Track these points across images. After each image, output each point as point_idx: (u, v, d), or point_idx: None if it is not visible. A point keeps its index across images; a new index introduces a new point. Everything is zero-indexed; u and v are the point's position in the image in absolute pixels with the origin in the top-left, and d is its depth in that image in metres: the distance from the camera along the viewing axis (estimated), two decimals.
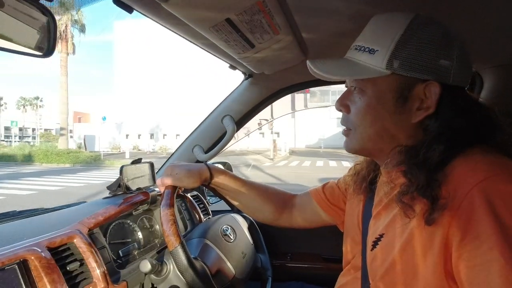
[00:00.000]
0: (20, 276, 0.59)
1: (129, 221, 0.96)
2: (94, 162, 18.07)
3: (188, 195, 1.23)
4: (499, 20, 0.73)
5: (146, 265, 0.70)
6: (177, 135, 29.40)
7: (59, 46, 21.42)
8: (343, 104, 0.62)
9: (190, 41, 0.87)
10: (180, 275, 0.71)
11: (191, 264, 0.70)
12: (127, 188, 0.98)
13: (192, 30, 0.74)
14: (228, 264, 0.89)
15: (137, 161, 1.03)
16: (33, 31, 0.54)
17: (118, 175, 0.98)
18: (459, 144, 0.51)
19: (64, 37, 21.44)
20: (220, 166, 1.38)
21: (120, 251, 0.88)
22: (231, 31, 0.75)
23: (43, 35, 0.54)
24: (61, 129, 22.74)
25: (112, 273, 0.77)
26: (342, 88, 0.67)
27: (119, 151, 24.08)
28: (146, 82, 32.81)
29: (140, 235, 0.97)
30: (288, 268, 1.37)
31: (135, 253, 0.92)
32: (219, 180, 0.84)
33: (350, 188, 0.76)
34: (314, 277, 1.32)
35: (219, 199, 1.32)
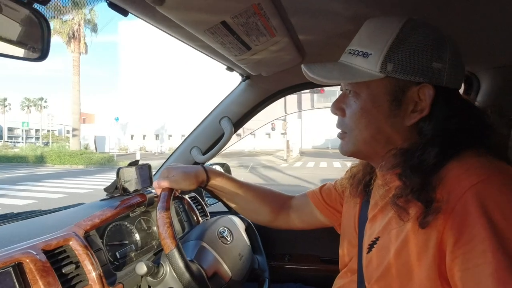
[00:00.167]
0: (14, 279, 0.59)
1: (126, 223, 0.96)
2: (108, 163, 17.97)
3: (186, 196, 1.23)
4: (495, 22, 0.73)
5: (142, 268, 0.70)
6: (182, 136, 29.36)
7: (71, 46, 21.44)
8: (338, 107, 0.62)
9: (186, 43, 0.87)
10: (176, 276, 0.71)
11: (187, 267, 0.70)
12: (124, 190, 0.98)
13: (188, 32, 0.74)
14: (225, 266, 0.89)
15: (134, 163, 1.03)
16: (27, 34, 0.54)
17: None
18: (453, 147, 0.52)
19: (77, 36, 21.28)
20: (219, 167, 1.38)
21: (117, 253, 0.88)
22: (226, 33, 0.75)
23: (37, 39, 0.54)
24: (73, 129, 22.49)
25: (108, 275, 0.77)
26: None
27: (127, 152, 23.96)
28: (151, 82, 32.67)
29: (137, 237, 0.97)
30: (286, 270, 1.37)
31: (132, 255, 0.92)
32: (216, 182, 0.85)
33: (346, 191, 0.76)
34: (312, 279, 1.32)
35: (217, 201, 1.32)
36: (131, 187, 1.01)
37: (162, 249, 0.71)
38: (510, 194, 0.45)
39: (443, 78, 0.54)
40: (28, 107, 48.08)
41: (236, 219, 1.14)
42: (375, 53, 0.55)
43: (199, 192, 1.34)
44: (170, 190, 0.77)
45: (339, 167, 14.91)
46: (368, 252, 0.60)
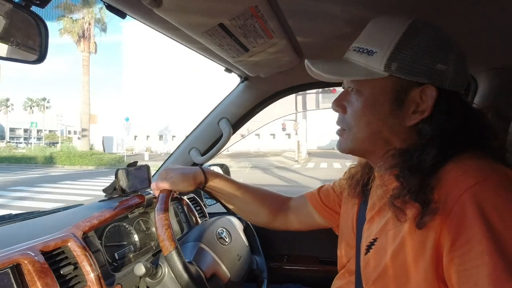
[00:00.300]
0: (13, 280, 0.59)
1: (125, 224, 0.96)
2: (118, 164, 17.69)
3: (185, 197, 1.23)
4: (493, 23, 0.73)
5: (140, 269, 0.71)
6: (186, 136, 29.12)
7: (81, 45, 21.23)
8: (339, 104, 0.62)
9: (184, 45, 0.87)
10: (175, 277, 0.71)
11: (186, 269, 0.70)
12: (123, 191, 0.99)
13: (186, 34, 0.74)
14: (223, 267, 0.89)
15: (132, 164, 1.04)
16: (25, 37, 0.54)
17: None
18: (452, 148, 0.52)
19: (87, 36, 21.09)
20: (218, 168, 1.39)
21: (115, 254, 0.88)
22: (224, 35, 0.75)
23: (35, 41, 0.55)
24: (83, 130, 22.23)
25: (107, 276, 0.78)
26: None
27: (132, 152, 23.75)
28: (154, 82, 32.36)
29: (136, 237, 0.97)
30: (285, 270, 1.37)
31: (131, 256, 0.92)
32: (214, 183, 0.85)
33: (344, 192, 0.76)
34: (310, 280, 1.32)
35: (215, 202, 1.32)
36: (130, 188, 1.01)
37: (160, 250, 0.72)
38: (507, 196, 0.45)
39: (446, 80, 0.54)
40: (30, 108, 47.96)
41: (234, 220, 1.15)
42: (380, 51, 0.54)
43: (198, 193, 1.34)
44: (169, 191, 0.77)
45: None
46: (366, 253, 0.60)
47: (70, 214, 0.94)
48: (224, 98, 1.29)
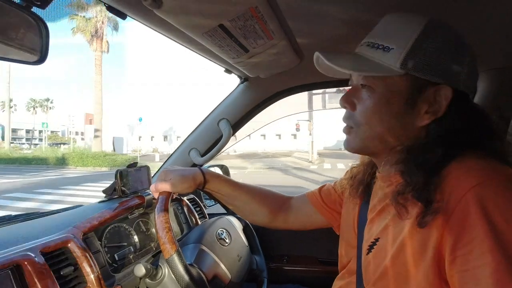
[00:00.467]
0: (13, 282, 0.59)
1: (125, 225, 0.96)
2: None
3: (185, 198, 1.23)
4: (494, 23, 0.74)
5: (140, 270, 0.70)
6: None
7: (94, 44, 20.90)
8: (348, 101, 0.60)
9: (184, 46, 0.87)
10: (175, 280, 0.71)
11: (187, 271, 0.69)
12: (123, 192, 0.99)
13: (186, 35, 0.75)
14: (224, 268, 0.89)
15: (132, 165, 1.04)
16: (26, 38, 0.54)
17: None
18: (456, 148, 0.52)
19: (100, 35, 20.77)
20: (217, 169, 1.39)
21: (116, 255, 0.88)
22: (224, 36, 0.75)
23: (36, 42, 0.55)
24: (95, 130, 21.79)
25: (107, 277, 0.78)
26: None
27: (140, 153, 23.56)
28: (158, 82, 32.07)
29: (136, 238, 0.97)
30: (285, 271, 1.37)
31: (131, 256, 0.92)
32: (213, 184, 0.84)
33: (346, 192, 0.76)
34: (310, 280, 1.32)
35: (215, 202, 1.32)
36: (130, 189, 1.01)
37: (160, 251, 0.72)
38: (510, 196, 0.45)
39: (460, 81, 0.53)
40: (34, 108, 47.79)
41: (234, 220, 1.15)
42: (397, 48, 0.53)
43: (198, 194, 1.34)
44: (168, 193, 0.77)
45: None
46: (367, 253, 0.60)
47: (70, 215, 0.93)
48: (224, 99, 1.29)
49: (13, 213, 0.98)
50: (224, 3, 0.63)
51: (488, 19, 0.72)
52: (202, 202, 1.33)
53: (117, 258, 0.88)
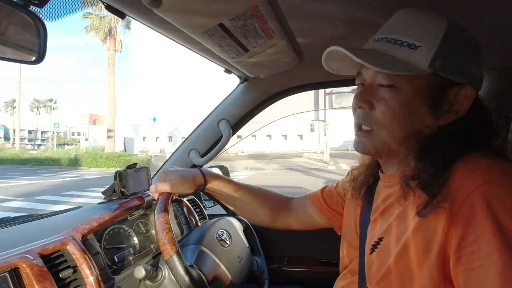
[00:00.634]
0: (11, 284, 0.58)
1: (124, 226, 0.95)
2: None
3: (184, 199, 1.22)
4: (494, 23, 0.73)
5: (140, 271, 0.70)
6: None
7: (107, 43, 20.63)
8: (365, 100, 0.56)
9: (184, 46, 0.87)
10: (175, 281, 0.70)
11: (187, 272, 0.69)
12: (122, 193, 0.98)
13: (185, 35, 0.74)
14: (224, 269, 0.88)
15: (132, 166, 1.03)
16: (24, 37, 0.54)
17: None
18: (465, 147, 0.51)
19: (114, 33, 20.53)
20: (217, 169, 1.38)
21: (115, 257, 0.88)
22: (224, 36, 0.75)
23: (34, 41, 0.54)
24: (108, 130, 21.42)
25: (106, 279, 0.77)
26: None
27: (147, 154, 23.30)
28: (163, 83, 31.89)
29: (135, 240, 0.96)
30: (285, 272, 1.36)
31: (131, 258, 0.91)
32: (213, 185, 0.84)
33: (348, 193, 0.76)
34: (311, 281, 1.32)
35: (215, 203, 1.32)
36: (129, 190, 1.01)
37: (160, 253, 0.71)
38: None
39: (477, 81, 0.54)
40: (37, 108, 47.61)
41: (234, 221, 1.14)
42: (426, 46, 0.51)
43: (198, 195, 1.33)
44: (168, 194, 0.76)
45: None
46: (371, 253, 0.59)
47: (69, 217, 0.93)
48: (224, 99, 1.28)
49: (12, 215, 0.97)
50: (224, 2, 0.63)
51: (488, 19, 0.71)
52: (202, 203, 1.33)
53: (116, 260, 0.87)
